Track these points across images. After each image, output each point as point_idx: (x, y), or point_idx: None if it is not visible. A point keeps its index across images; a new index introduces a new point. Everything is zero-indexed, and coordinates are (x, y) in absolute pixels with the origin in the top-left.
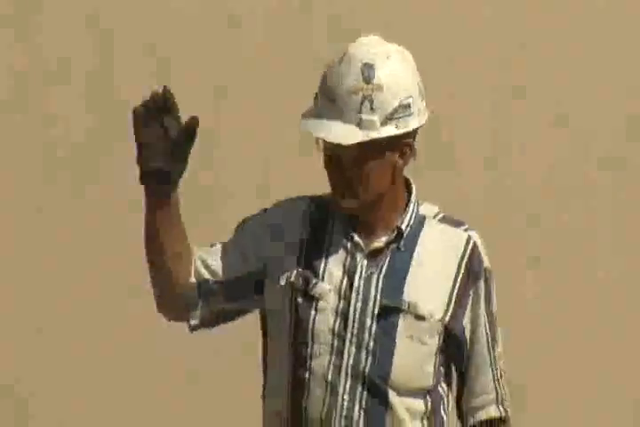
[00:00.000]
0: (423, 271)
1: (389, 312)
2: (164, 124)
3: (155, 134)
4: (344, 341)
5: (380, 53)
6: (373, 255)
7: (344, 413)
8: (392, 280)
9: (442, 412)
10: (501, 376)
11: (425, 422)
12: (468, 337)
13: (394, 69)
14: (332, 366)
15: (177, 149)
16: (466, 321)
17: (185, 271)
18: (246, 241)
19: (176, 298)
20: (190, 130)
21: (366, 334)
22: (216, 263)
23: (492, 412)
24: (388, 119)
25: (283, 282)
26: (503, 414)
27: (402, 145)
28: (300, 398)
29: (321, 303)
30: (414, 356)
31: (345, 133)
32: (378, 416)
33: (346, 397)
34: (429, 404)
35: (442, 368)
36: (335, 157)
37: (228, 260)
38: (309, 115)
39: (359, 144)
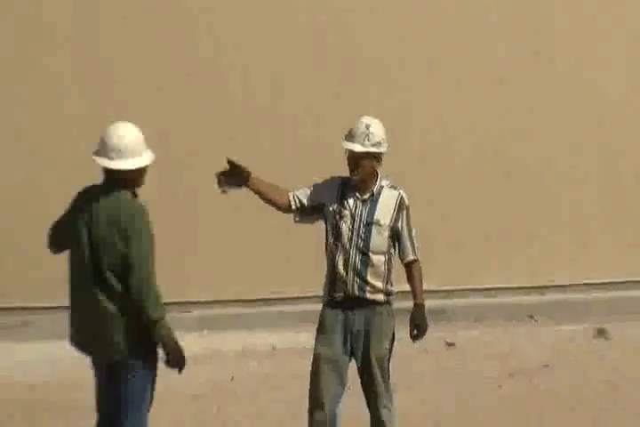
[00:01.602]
0: (381, 207)
1: (369, 223)
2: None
3: (229, 179)
4: (352, 234)
5: (372, 121)
6: (364, 201)
7: (352, 262)
8: (370, 211)
9: (391, 260)
10: (415, 242)
11: (385, 265)
12: (400, 229)
13: (377, 128)
14: (347, 243)
15: (236, 174)
16: (398, 225)
17: (283, 202)
18: (317, 189)
19: (283, 211)
20: (234, 166)
21: (361, 232)
22: (303, 198)
23: (411, 256)
24: (373, 145)
25: (331, 208)
26: (417, 258)
27: (377, 156)
28: (335, 258)
29: (344, 219)
30: (379, 239)
31: (357, 148)
32: (365, 262)
33: (354, 256)
34: (386, 255)
35: (390, 243)
36: (352, 157)
37: (308, 197)
38: (345, 140)
39: (362, 153)
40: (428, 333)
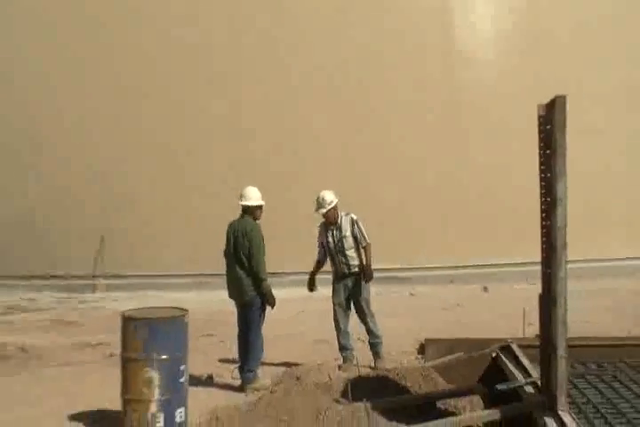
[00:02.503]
0: (344, 228)
1: (341, 238)
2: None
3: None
4: (334, 248)
5: (322, 193)
6: (337, 229)
7: (340, 261)
8: (339, 232)
9: (358, 250)
10: (364, 236)
11: (354, 254)
12: (356, 233)
13: (327, 196)
14: (333, 250)
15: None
16: (355, 232)
17: (323, 261)
18: (319, 238)
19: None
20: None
21: (339, 244)
22: (321, 251)
23: (364, 243)
24: (328, 204)
25: (324, 241)
26: (367, 244)
27: (334, 208)
28: (334, 261)
29: (329, 243)
30: (347, 242)
31: (322, 211)
32: (345, 258)
33: (340, 257)
34: (355, 251)
35: (354, 242)
36: (324, 215)
37: (319, 244)
38: (316, 210)
39: (326, 211)
40: (399, 288)
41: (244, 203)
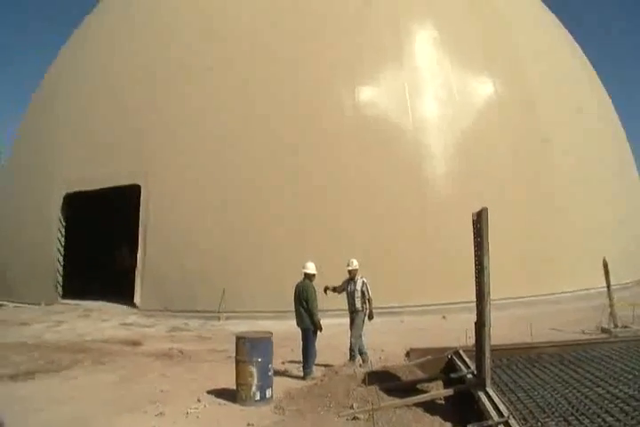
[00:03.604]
0: (357, 284)
1: (354, 290)
2: None
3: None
4: (348, 295)
5: (352, 260)
6: (354, 283)
7: (350, 302)
8: (354, 286)
9: (363, 297)
10: (368, 293)
11: (360, 300)
12: (364, 290)
13: (355, 262)
14: (349, 296)
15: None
16: (363, 289)
17: (340, 292)
18: (342, 282)
19: (339, 293)
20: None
21: (352, 293)
22: (341, 287)
23: (368, 297)
24: (355, 266)
25: (345, 287)
26: (369, 298)
27: (356, 270)
28: (347, 301)
29: (346, 289)
30: (357, 295)
31: (349, 268)
32: (353, 302)
33: (350, 300)
34: (360, 298)
35: (360, 294)
36: (350, 271)
37: (341, 286)
38: (347, 266)
39: (353, 269)
40: (394, 318)
41: (306, 271)
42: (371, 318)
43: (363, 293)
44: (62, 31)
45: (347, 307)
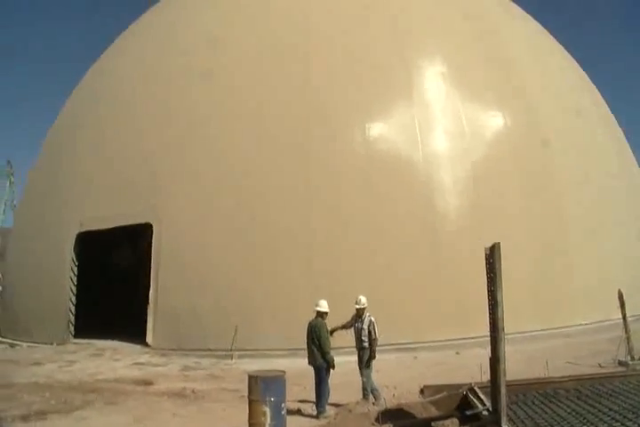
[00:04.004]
0: (364, 322)
1: (361, 328)
2: None
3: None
4: (355, 332)
5: (360, 297)
6: (361, 321)
7: (357, 339)
8: (361, 324)
9: (369, 336)
10: (375, 332)
11: (367, 338)
12: (370, 329)
13: (363, 299)
14: (355, 334)
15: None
16: (370, 328)
17: (346, 329)
18: (350, 320)
19: (347, 329)
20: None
21: (359, 331)
22: (348, 323)
23: (373, 336)
24: (363, 304)
25: (352, 324)
26: (375, 337)
27: (364, 308)
28: (355, 338)
29: (353, 327)
30: (364, 333)
31: (357, 306)
32: (360, 339)
33: (357, 337)
34: (366, 336)
35: (367, 333)
36: (358, 309)
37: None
38: (356, 305)
39: (361, 308)
40: (408, 354)
41: (319, 309)
42: (373, 358)
43: (369, 332)
44: (74, 75)
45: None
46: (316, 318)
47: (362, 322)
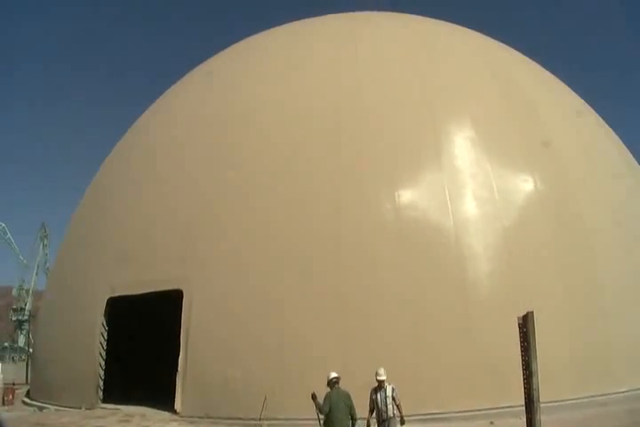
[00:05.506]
0: (386, 392)
1: (386, 397)
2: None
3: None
4: (380, 402)
5: (380, 369)
6: (383, 391)
7: (382, 410)
8: (384, 393)
9: (394, 404)
10: (397, 398)
11: (392, 406)
12: (394, 396)
13: (383, 372)
14: (380, 405)
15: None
16: (393, 395)
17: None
18: (371, 394)
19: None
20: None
21: (384, 400)
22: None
23: (397, 402)
24: (382, 376)
25: (374, 397)
26: (399, 403)
27: (384, 380)
28: (379, 411)
29: (376, 399)
30: (389, 401)
31: (379, 378)
32: (386, 409)
33: (382, 407)
34: (392, 404)
35: (392, 400)
36: (379, 381)
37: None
38: (376, 377)
39: (381, 379)
40: (440, 424)
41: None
42: (402, 423)
43: (394, 398)
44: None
45: (376, 414)
46: (337, 388)
47: (384, 391)
